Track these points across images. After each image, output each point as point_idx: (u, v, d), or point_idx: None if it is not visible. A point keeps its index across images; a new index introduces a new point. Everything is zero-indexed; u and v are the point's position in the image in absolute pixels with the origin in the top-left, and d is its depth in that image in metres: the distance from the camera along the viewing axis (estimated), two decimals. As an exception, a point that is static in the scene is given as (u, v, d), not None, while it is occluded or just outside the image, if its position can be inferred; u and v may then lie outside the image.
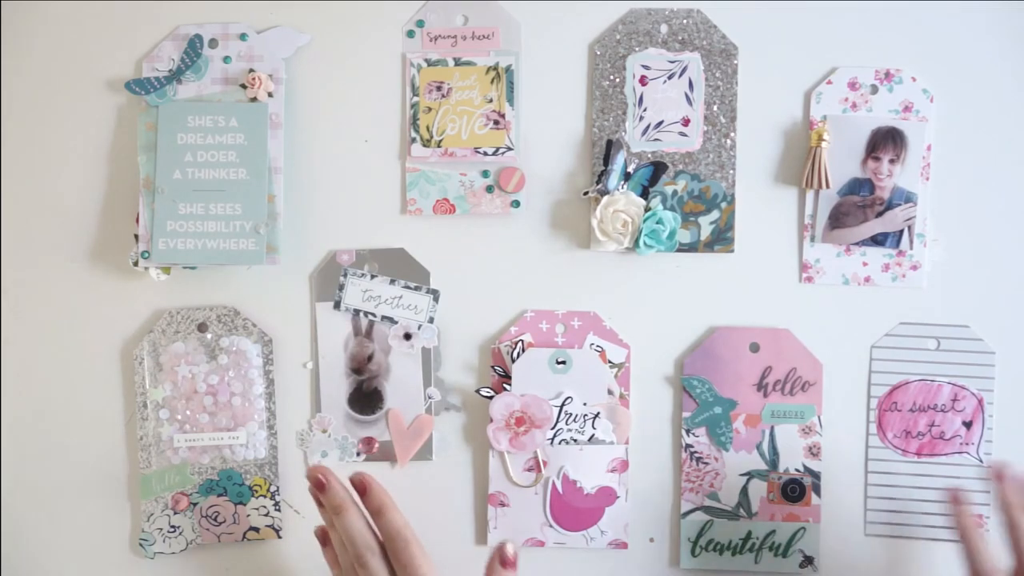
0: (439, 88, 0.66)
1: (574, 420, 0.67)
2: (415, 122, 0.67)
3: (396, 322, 0.68)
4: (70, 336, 0.68)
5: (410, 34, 0.66)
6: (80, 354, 0.68)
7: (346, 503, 0.60)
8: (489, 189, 0.67)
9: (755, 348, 0.67)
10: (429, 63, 0.66)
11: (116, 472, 0.69)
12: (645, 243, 0.66)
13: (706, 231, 0.67)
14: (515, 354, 0.67)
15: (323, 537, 0.63)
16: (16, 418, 0.69)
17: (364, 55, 0.67)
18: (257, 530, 0.68)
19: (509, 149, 0.66)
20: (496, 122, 0.66)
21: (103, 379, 0.69)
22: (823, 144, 0.65)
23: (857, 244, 0.66)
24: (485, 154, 0.67)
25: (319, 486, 0.61)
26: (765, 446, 0.67)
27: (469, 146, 0.66)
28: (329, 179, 0.68)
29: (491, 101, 0.66)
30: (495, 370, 0.68)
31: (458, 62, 0.66)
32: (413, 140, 0.67)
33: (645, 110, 0.67)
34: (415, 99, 0.66)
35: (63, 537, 0.69)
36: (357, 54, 0.67)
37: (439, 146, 0.66)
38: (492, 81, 0.66)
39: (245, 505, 0.68)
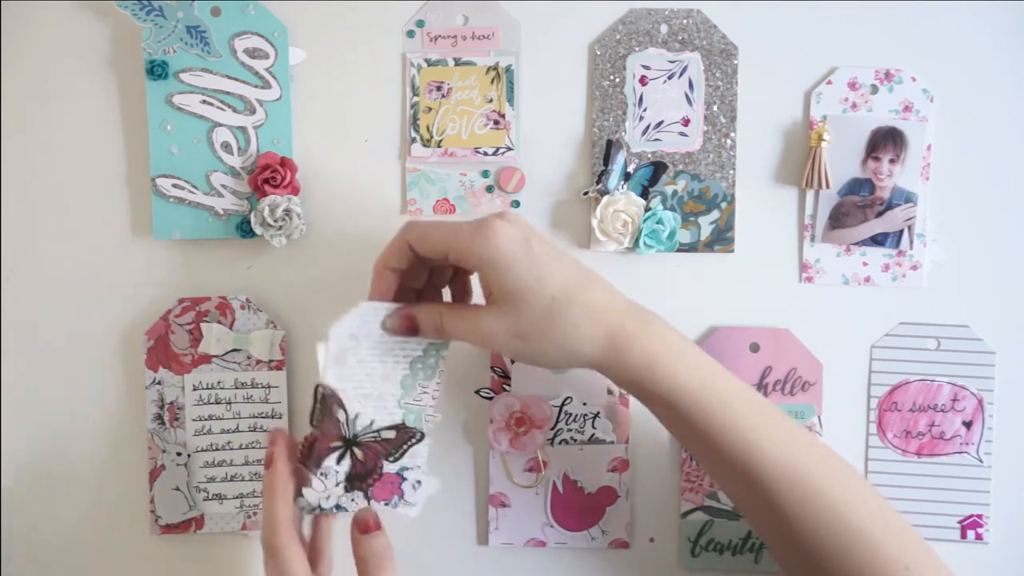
0: (439, 88, 0.69)
1: (574, 420, 0.70)
2: (415, 122, 0.69)
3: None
4: (70, 323, 0.71)
5: (410, 34, 0.69)
6: (84, 340, 0.71)
7: (278, 488, 0.61)
8: (489, 189, 0.70)
9: (755, 348, 0.70)
10: (429, 63, 0.69)
11: (119, 461, 0.72)
12: (645, 243, 0.68)
13: (706, 231, 0.70)
14: (514, 356, 0.70)
15: None
16: (15, 413, 0.72)
17: (364, 55, 0.69)
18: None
19: (509, 149, 0.69)
20: (496, 122, 0.69)
21: (105, 367, 0.71)
22: (823, 144, 0.68)
23: (857, 244, 0.69)
24: (485, 154, 0.69)
25: (269, 462, 0.61)
26: (765, 446, 0.70)
27: (469, 146, 0.69)
28: (329, 178, 0.70)
29: (491, 101, 0.69)
30: (494, 371, 0.70)
31: (458, 62, 0.69)
32: (413, 140, 0.69)
33: (645, 110, 0.69)
34: (415, 99, 0.69)
35: (65, 523, 0.72)
36: (357, 54, 0.70)
37: (439, 146, 0.69)
38: (492, 81, 0.69)
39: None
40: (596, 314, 0.56)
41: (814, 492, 0.55)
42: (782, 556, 0.59)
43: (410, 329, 0.60)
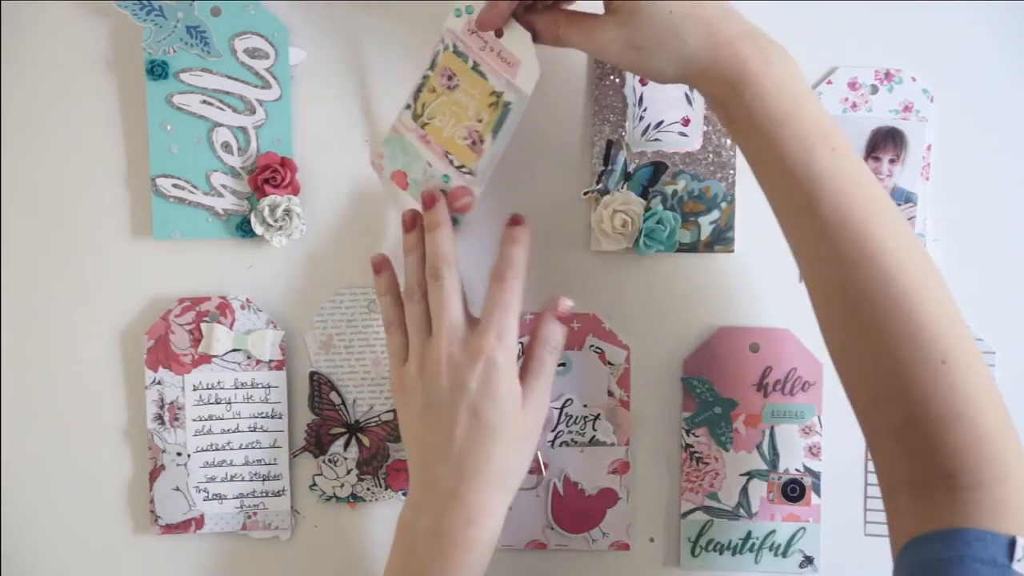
0: (450, 78, 0.67)
1: (574, 422, 0.71)
2: (418, 92, 0.68)
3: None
4: (70, 323, 0.72)
5: (456, 13, 0.66)
6: (84, 340, 0.72)
7: (446, 220, 0.65)
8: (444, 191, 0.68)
9: (755, 348, 0.71)
10: (456, 51, 0.67)
11: (119, 461, 0.73)
12: (645, 243, 0.69)
13: (706, 231, 0.71)
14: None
15: (379, 265, 0.67)
16: (15, 413, 0.72)
17: (364, 55, 0.70)
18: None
19: (470, 174, 0.67)
20: (474, 143, 0.67)
21: (105, 367, 0.72)
22: (823, 144, 0.69)
23: (857, 244, 0.70)
24: (451, 162, 0.67)
25: (431, 201, 0.65)
26: (765, 446, 0.71)
27: (444, 146, 0.67)
28: (329, 178, 0.71)
29: (480, 121, 0.66)
30: (495, 371, 0.71)
31: (475, 67, 0.66)
32: (408, 107, 0.68)
33: (645, 110, 0.70)
34: (428, 72, 0.67)
35: (63, 521, 0.73)
36: (357, 54, 0.70)
37: (422, 127, 0.68)
38: (490, 105, 0.66)
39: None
40: (712, 32, 0.56)
41: (871, 254, 0.53)
42: (828, 323, 0.57)
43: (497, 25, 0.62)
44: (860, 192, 0.54)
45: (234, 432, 0.71)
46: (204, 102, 0.69)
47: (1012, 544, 0.49)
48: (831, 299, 0.56)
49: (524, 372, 0.63)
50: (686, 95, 0.70)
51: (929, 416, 0.52)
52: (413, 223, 0.67)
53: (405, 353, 0.65)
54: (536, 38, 0.62)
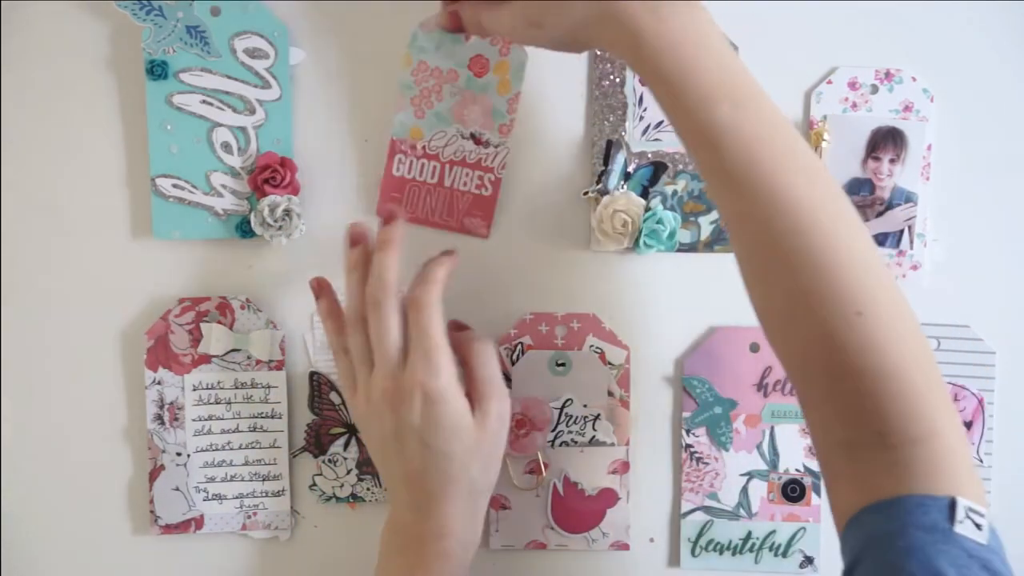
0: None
1: (574, 422, 0.72)
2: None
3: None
4: (70, 323, 0.72)
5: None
6: (84, 340, 0.72)
7: (397, 241, 0.62)
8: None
9: (755, 348, 0.71)
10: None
11: (119, 461, 0.73)
12: (645, 243, 0.69)
13: (706, 231, 0.71)
14: (514, 356, 0.71)
15: (318, 289, 0.65)
16: (15, 413, 0.73)
17: (364, 55, 0.70)
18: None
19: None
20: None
21: (105, 367, 0.72)
22: (823, 144, 0.69)
23: (857, 244, 0.70)
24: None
25: (390, 217, 0.62)
26: (765, 446, 0.71)
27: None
28: (329, 178, 0.71)
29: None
30: (495, 371, 0.72)
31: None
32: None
33: (645, 110, 0.71)
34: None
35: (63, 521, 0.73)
36: (357, 54, 0.70)
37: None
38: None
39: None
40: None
41: (781, 208, 0.52)
42: (747, 281, 0.57)
43: (457, 25, 0.64)
44: (765, 146, 0.53)
45: (234, 432, 0.71)
46: (204, 102, 0.69)
47: (952, 506, 0.48)
48: (747, 255, 0.55)
49: (471, 385, 0.62)
50: (686, 95, 0.70)
51: (851, 370, 0.51)
52: (360, 238, 0.64)
53: (354, 379, 0.64)
54: (463, 26, 0.64)
